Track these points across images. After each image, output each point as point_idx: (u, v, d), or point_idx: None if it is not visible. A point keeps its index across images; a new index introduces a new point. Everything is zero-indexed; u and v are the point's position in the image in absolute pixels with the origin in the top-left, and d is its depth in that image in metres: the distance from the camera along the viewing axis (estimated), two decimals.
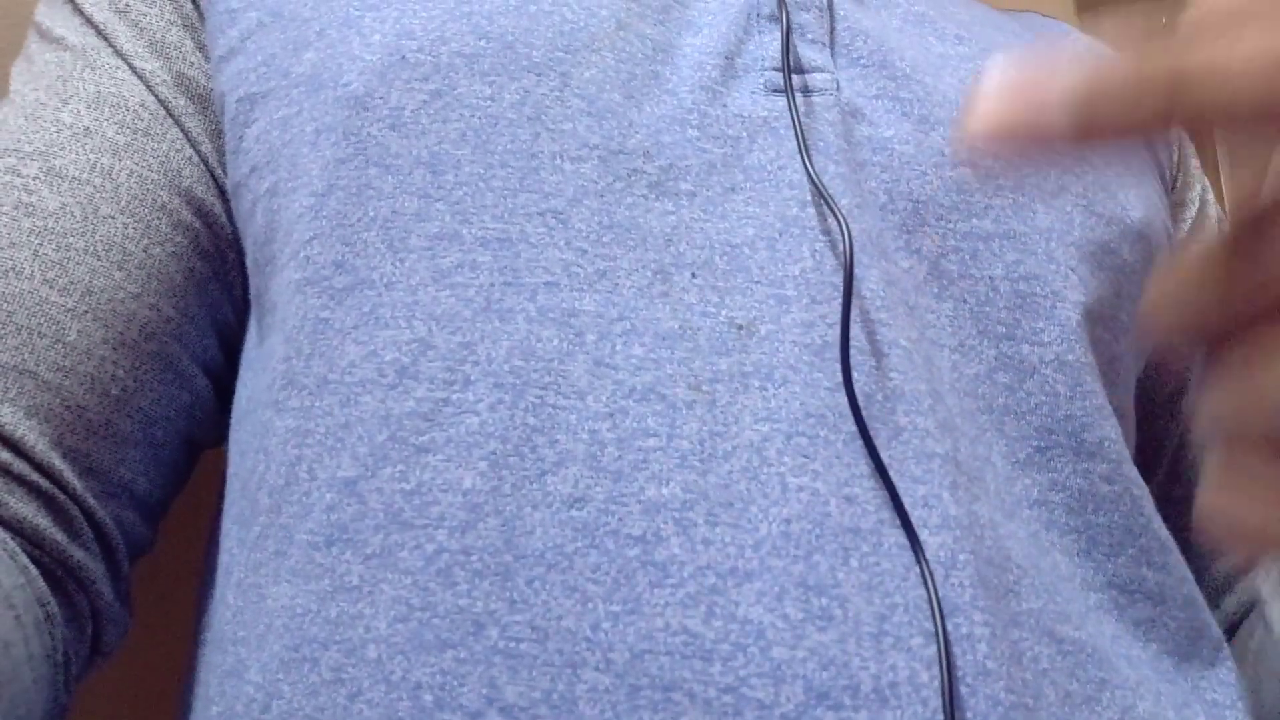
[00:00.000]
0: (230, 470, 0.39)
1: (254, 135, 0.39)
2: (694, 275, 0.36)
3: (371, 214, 0.36)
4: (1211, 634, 0.40)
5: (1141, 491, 0.40)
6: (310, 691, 0.32)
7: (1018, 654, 0.33)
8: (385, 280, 0.36)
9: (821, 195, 0.36)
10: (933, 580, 0.32)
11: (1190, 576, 0.40)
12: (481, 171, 0.36)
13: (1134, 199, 0.44)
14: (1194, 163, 0.54)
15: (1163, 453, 0.53)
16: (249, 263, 0.40)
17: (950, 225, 0.39)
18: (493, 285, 0.35)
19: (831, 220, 0.37)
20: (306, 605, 0.33)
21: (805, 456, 0.33)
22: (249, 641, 0.34)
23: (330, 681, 0.32)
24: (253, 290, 0.40)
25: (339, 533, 0.33)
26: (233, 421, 0.40)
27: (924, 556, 0.32)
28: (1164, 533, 0.40)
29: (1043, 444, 0.38)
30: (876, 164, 0.39)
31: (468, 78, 0.37)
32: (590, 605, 0.31)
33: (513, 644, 0.31)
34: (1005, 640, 0.32)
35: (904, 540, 0.33)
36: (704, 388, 0.34)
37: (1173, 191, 0.53)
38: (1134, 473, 0.40)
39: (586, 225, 0.36)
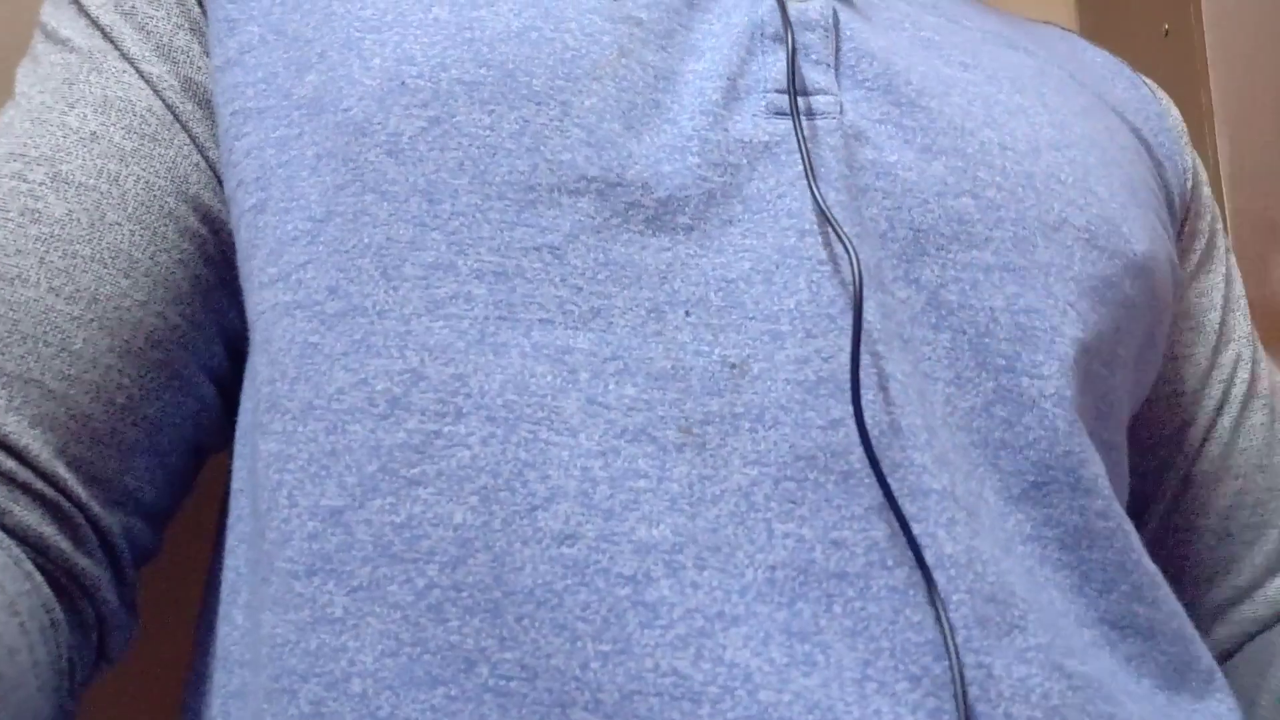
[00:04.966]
0: (235, 485, 0.39)
1: (244, 150, 0.39)
2: (688, 313, 0.36)
3: (366, 241, 0.36)
4: (1201, 666, 0.40)
5: (1130, 527, 0.40)
6: None
7: (1025, 691, 0.33)
8: (378, 308, 0.35)
9: (829, 221, 0.36)
10: (947, 617, 0.32)
11: (1181, 611, 0.40)
12: (479, 202, 0.36)
13: (1138, 231, 0.43)
14: (1206, 190, 0.54)
15: (1165, 484, 0.53)
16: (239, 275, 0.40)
17: (950, 255, 0.39)
18: (487, 319, 0.35)
19: (837, 247, 0.37)
20: (286, 635, 0.33)
21: (792, 502, 0.33)
22: (252, 665, 0.34)
23: (310, 715, 0.32)
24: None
25: (322, 563, 0.33)
26: (238, 434, 0.40)
27: (937, 593, 0.32)
28: (1153, 568, 0.40)
29: (1040, 479, 0.38)
30: (879, 189, 0.39)
31: (467, 106, 0.37)
32: (580, 644, 0.31)
33: (502, 682, 0.31)
34: (1008, 680, 0.32)
35: (892, 583, 0.33)
36: (694, 430, 0.34)
37: (1184, 222, 0.52)
38: (1121, 509, 0.40)
39: (582, 262, 0.36)
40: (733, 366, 0.35)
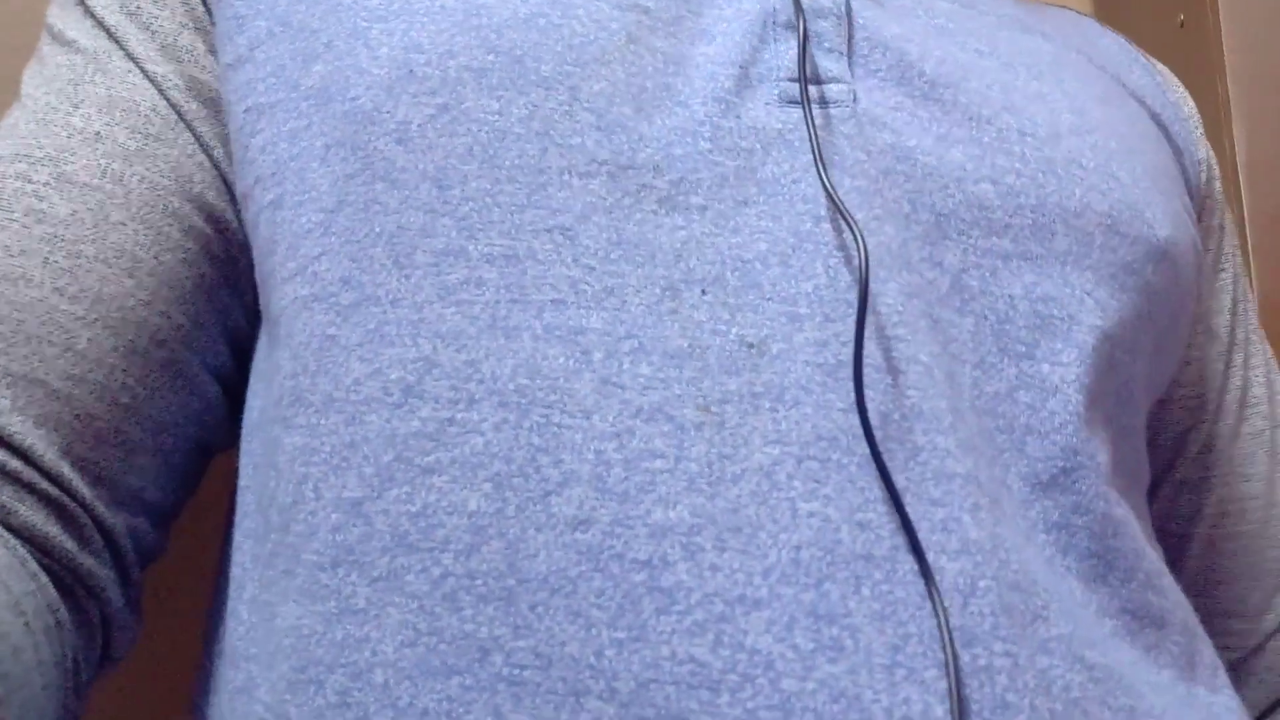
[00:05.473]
0: (242, 482, 0.39)
1: (259, 146, 0.39)
2: (704, 292, 0.35)
3: (378, 230, 0.36)
4: (1206, 659, 0.39)
5: (1134, 516, 0.39)
6: (316, 714, 0.32)
7: (1047, 683, 0.32)
8: (391, 297, 0.35)
9: (838, 209, 0.36)
10: (945, 612, 0.31)
11: (1185, 602, 0.40)
12: (489, 187, 0.36)
13: (1161, 216, 0.43)
14: (1218, 186, 0.53)
15: (1165, 485, 0.52)
16: (254, 274, 0.40)
17: (971, 241, 0.39)
18: (498, 302, 0.35)
19: (847, 235, 0.36)
20: (313, 627, 0.33)
21: (816, 481, 0.33)
22: (260, 659, 0.34)
23: (337, 705, 0.31)
24: (260, 301, 0.40)
25: (345, 554, 0.33)
26: (244, 432, 0.40)
27: (935, 586, 0.32)
28: (1157, 557, 0.40)
29: (1068, 465, 0.37)
30: (900, 173, 0.39)
31: (475, 92, 0.37)
32: (594, 631, 0.31)
33: (516, 671, 0.31)
34: (1031, 670, 0.32)
35: (919, 567, 0.32)
36: (713, 408, 0.33)
37: (1200, 215, 0.51)
38: (1126, 498, 0.40)
39: (594, 242, 0.35)
40: (750, 346, 0.34)
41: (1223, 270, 0.53)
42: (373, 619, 0.32)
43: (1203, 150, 0.52)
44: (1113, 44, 0.53)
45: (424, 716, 0.31)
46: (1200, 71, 0.73)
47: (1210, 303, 0.53)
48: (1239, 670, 0.52)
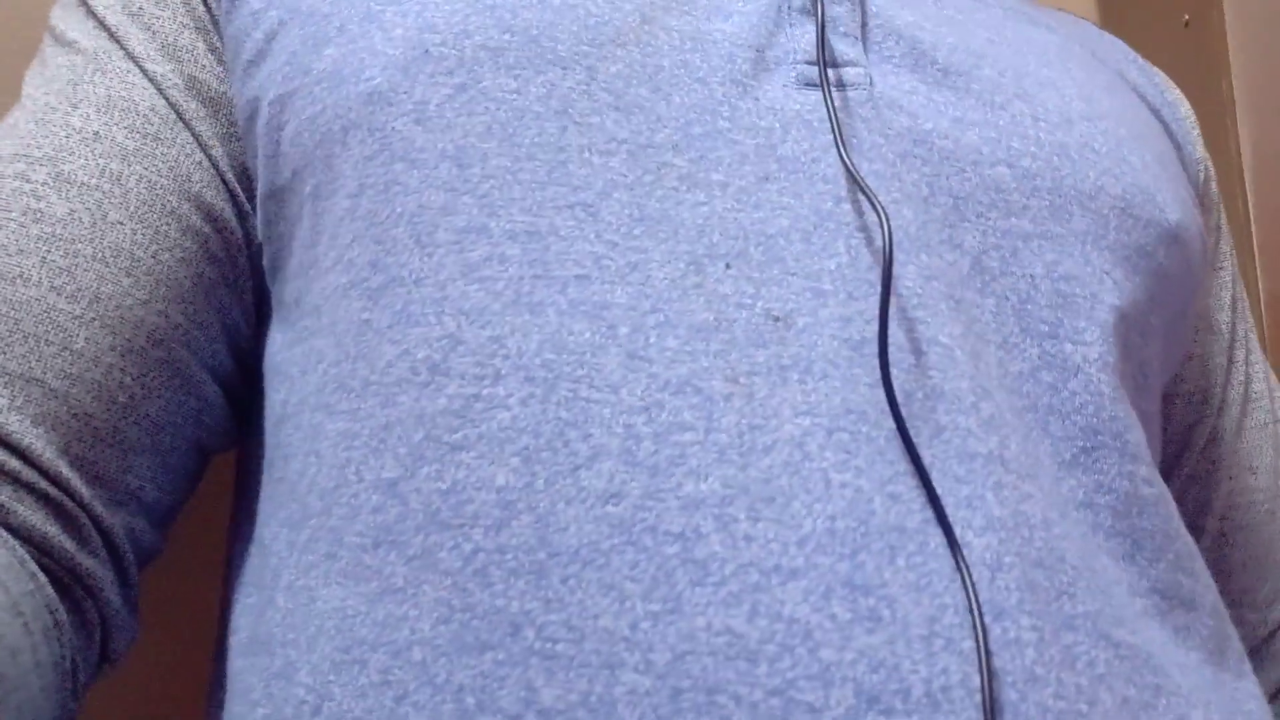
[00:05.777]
0: (273, 474, 0.39)
1: (289, 138, 0.39)
2: (728, 266, 0.35)
3: (399, 210, 0.36)
4: (1235, 645, 0.39)
5: (1170, 496, 0.40)
6: (359, 693, 0.31)
7: (1071, 659, 0.32)
8: (414, 277, 0.35)
9: (861, 188, 0.36)
10: (973, 585, 0.31)
11: (1215, 585, 0.40)
12: (509, 164, 0.36)
13: (1171, 201, 0.43)
14: (1214, 187, 0.54)
15: (1173, 479, 0.53)
16: (292, 266, 0.40)
17: (990, 222, 0.39)
18: (522, 278, 0.35)
19: (870, 215, 0.36)
20: (356, 607, 0.33)
21: (847, 453, 0.33)
22: (299, 644, 0.34)
23: (378, 684, 0.31)
24: (290, 294, 0.40)
25: (384, 534, 0.33)
26: (268, 425, 0.39)
27: (963, 559, 0.31)
28: (1190, 539, 0.40)
29: (1088, 444, 0.37)
30: (917, 156, 0.39)
31: (493, 71, 0.37)
32: (628, 604, 0.30)
33: (549, 645, 0.30)
34: (1056, 644, 0.32)
35: (949, 540, 0.32)
36: (741, 380, 0.33)
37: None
38: (1160, 477, 0.40)
39: (616, 217, 0.36)
40: (776, 319, 0.35)
41: (1221, 268, 0.54)
42: (410, 597, 0.32)
43: (1200, 150, 0.53)
44: (1110, 44, 0.54)
45: (460, 693, 0.30)
46: (1206, 70, 0.73)
47: (1210, 299, 0.53)
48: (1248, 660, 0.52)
